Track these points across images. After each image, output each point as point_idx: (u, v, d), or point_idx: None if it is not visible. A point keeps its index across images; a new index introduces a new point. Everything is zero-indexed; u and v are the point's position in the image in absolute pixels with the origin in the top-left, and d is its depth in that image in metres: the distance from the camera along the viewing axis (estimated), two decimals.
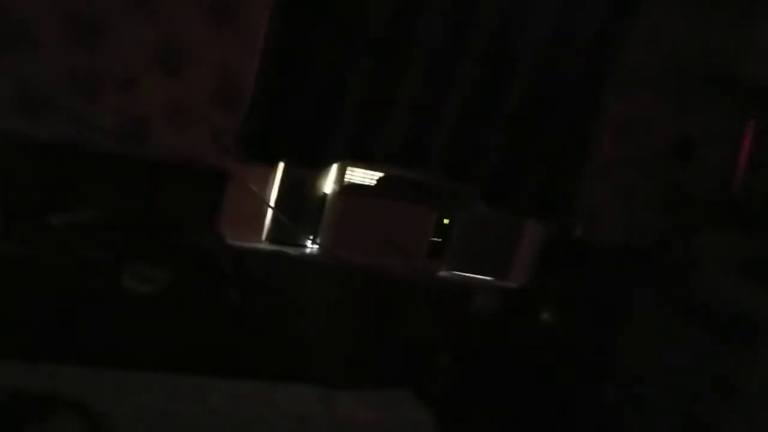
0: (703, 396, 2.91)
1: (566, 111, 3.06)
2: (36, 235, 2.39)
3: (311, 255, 3.03)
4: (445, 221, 3.12)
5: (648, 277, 3.27)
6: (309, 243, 3.04)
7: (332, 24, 2.67)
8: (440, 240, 3.14)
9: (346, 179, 2.97)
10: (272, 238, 3.01)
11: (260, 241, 2.99)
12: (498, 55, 2.88)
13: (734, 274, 3.11)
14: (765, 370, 2.81)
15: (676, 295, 3.15)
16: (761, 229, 3.19)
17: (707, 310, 3.04)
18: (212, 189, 2.79)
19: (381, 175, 3.01)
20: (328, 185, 3.00)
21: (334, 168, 2.97)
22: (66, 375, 1.80)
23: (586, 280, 3.25)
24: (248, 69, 2.73)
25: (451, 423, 2.20)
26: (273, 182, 2.95)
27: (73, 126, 2.59)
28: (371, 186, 3.01)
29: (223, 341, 2.36)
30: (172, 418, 1.78)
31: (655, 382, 3.11)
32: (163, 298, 2.29)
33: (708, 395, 2.90)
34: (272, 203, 2.95)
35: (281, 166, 2.93)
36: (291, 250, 3.01)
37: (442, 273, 3.22)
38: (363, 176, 3.00)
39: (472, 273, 3.31)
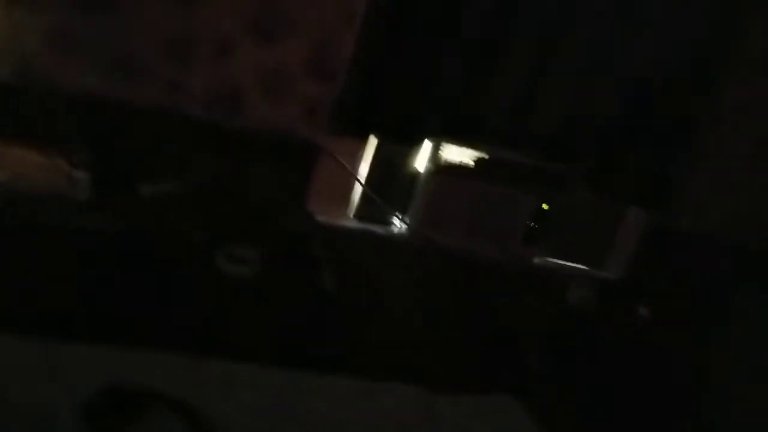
0: None
1: (680, 94, 2.80)
2: (126, 207, 2.31)
3: (400, 235, 2.88)
4: (544, 206, 2.92)
5: (755, 277, 3.02)
6: (398, 222, 2.89)
7: None
8: (536, 226, 2.95)
9: (441, 158, 2.80)
10: (360, 215, 2.87)
11: (347, 218, 2.86)
12: (613, 31, 2.63)
13: None
14: None
15: None
16: None
17: None
18: (303, 163, 2.66)
19: (479, 155, 2.82)
20: (422, 163, 2.83)
21: (429, 145, 2.79)
22: (159, 365, 1.72)
23: (688, 276, 3.03)
24: (346, 37, 2.56)
25: (553, 429, 2.07)
26: (364, 158, 2.80)
27: (165, 92, 2.47)
28: (467, 166, 2.83)
29: (317, 331, 2.26)
30: (272, 419, 1.68)
31: (752, 389, 2.91)
32: (256, 282, 2.19)
33: None
34: (362, 180, 2.80)
35: (374, 141, 2.77)
36: (379, 229, 2.87)
37: (537, 260, 3.04)
38: (459, 155, 2.81)
39: (567, 261, 3.12)
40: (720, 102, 2.85)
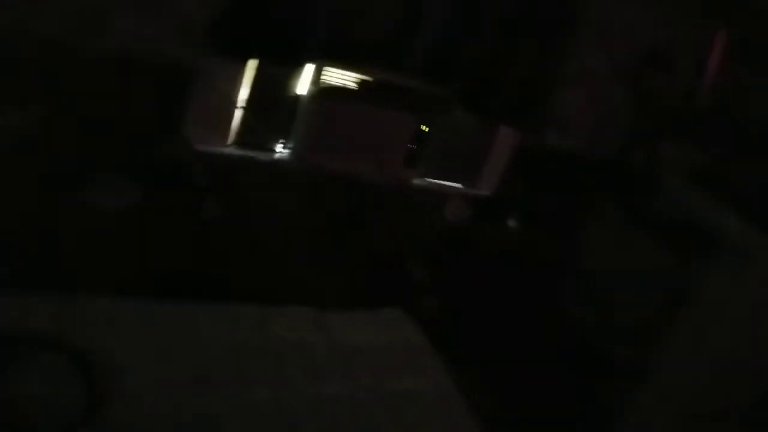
0: (654, 303, 3.04)
1: (545, 16, 2.91)
2: None
3: (282, 161, 2.87)
4: (423, 128, 3.00)
5: (611, 186, 3.31)
6: (280, 148, 2.87)
7: None
8: (416, 147, 3.04)
9: (322, 81, 2.78)
10: (240, 141, 2.82)
11: (226, 145, 2.80)
12: None
13: (692, 186, 3.18)
14: (717, 283, 2.94)
15: (636, 205, 3.21)
16: (722, 142, 3.24)
17: (664, 220, 3.12)
18: (179, 87, 2.55)
19: (359, 77, 2.83)
20: (304, 87, 2.80)
21: (311, 68, 2.76)
22: (41, 306, 1.66)
23: (553, 188, 3.26)
24: None
25: (441, 338, 2.21)
26: (243, 81, 2.72)
27: (19, 13, 2.25)
28: (348, 89, 2.83)
29: (200, 259, 2.24)
30: (163, 350, 1.68)
31: (611, 286, 3.23)
32: (133, 213, 2.12)
33: (659, 303, 3.03)
34: (241, 104, 2.74)
35: (253, 64, 2.70)
36: (261, 155, 2.84)
37: (416, 181, 3.14)
38: (340, 78, 2.81)
39: (444, 180, 3.25)
40: (581, 24, 3.01)
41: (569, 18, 2.97)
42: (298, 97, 2.82)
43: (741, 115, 3.35)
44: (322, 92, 2.79)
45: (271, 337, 1.81)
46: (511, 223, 3.31)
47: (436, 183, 3.20)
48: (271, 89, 2.77)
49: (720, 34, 3.33)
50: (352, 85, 2.83)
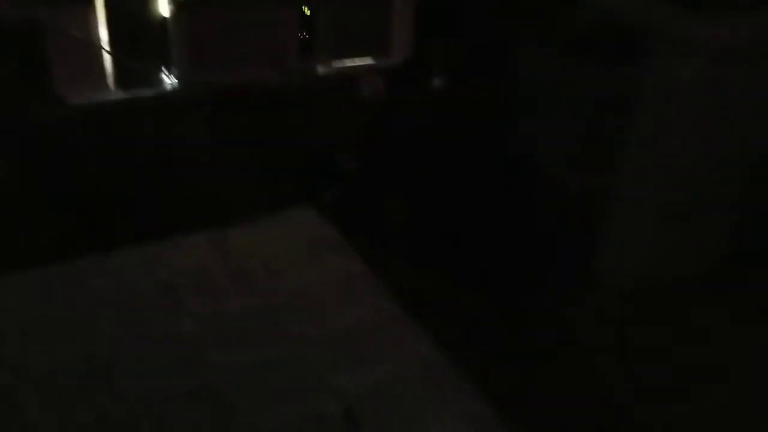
0: (598, 116, 2.89)
1: None
2: None
3: (172, 90, 2.72)
4: (306, 12, 2.80)
5: (526, 11, 3.10)
6: (165, 77, 2.71)
7: None
8: (307, 35, 2.85)
9: None
10: (122, 83, 2.66)
11: (109, 90, 2.65)
12: None
13: None
14: (655, 81, 2.78)
15: (556, 24, 3.01)
16: None
17: (592, 30, 2.92)
18: (29, 46, 2.39)
19: None
20: (163, 6, 2.61)
21: None
22: None
23: (467, 33, 3.06)
24: None
25: (359, 230, 2.12)
26: (98, 20, 2.54)
27: None
28: None
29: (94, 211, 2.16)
30: (51, 312, 1.63)
31: (551, 112, 3.08)
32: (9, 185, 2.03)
33: (603, 114, 2.88)
34: (105, 45, 2.57)
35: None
36: (147, 91, 2.69)
37: (320, 68, 2.97)
38: None
39: (352, 59, 3.07)
40: None
41: None
42: (164, 20, 2.64)
43: None
44: (185, 7, 2.60)
45: (165, 272, 1.75)
46: (436, 82, 3.15)
47: (342, 65, 3.03)
48: (130, 20, 2.59)
49: None
50: None
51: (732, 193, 2.78)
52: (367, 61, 3.08)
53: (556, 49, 2.99)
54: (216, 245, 1.88)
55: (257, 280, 1.75)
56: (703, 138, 2.68)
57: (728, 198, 2.79)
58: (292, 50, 2.83)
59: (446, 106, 3.14)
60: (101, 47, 2.55)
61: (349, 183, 2.73)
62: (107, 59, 2.60)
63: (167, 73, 2.69)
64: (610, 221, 2.88)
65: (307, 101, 2.91)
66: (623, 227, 2.85)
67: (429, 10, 3.03)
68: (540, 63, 3.10)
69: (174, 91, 2.71)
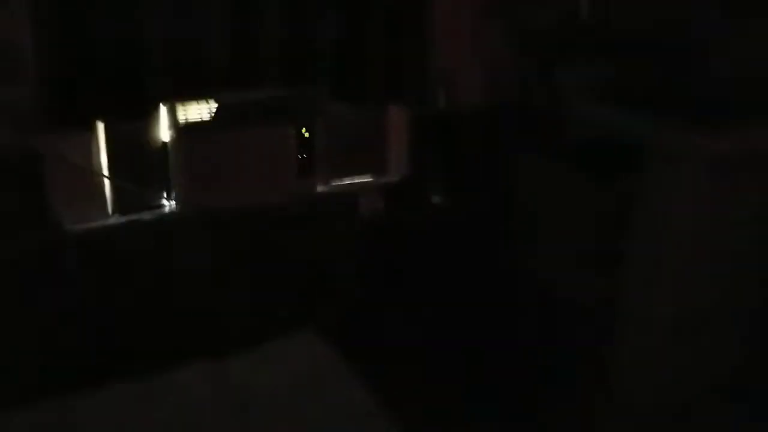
0: (599, 231, 2.88)
1: None
2: None
3: (171, 214, 2.70)
4: (305, 134, 2.84)
5: (521, 131, 3.16)
6: (164, 201, 2.70)
7: None
8: (306, 156, 2.87)
9: (180, 120, 2.62)
10: (121, 207, 2.65)
11: (107, 215, 2.63)
12: None
13: (601, 104, 3.03)
14: (656, 194, 2.79)
15: (551, 140, 3.06)
16: (618, 54, 3.10)
17: (584, 147, 2.97)
18: (27, 174, 2.39)
19: (218, 104, 2.67)
20: (164, 132, 2.64)
21: (163, 110, 2.60)
22: None
23: (462, 152, 3.11)
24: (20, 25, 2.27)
25: (363, 356, 2.04)
26: (98, 146, 2.56)
27: None
28: (211, 119, 2.67)
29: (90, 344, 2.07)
30: None
31: (552, 227, 3.07)
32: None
33: (604, 229, 2.87)
34: (105, 170, 2.57)
35: (101, 125, 2.53)
36: (146, 215, 2.67)
37: (319, 188, 2.97)
38: (199, 111, 2.65)
39: (351, 178, 3.08)
40: None
41: None
42: (164, 145, 2.66)
43: (625, 20, 3.22)
44: (185, 132, 2.63)
45: (159, 409, 1.65)
46: (435, 200, 3.16)
47: (340, 184, 3.04)
48: (131, 146, 2.61)
49: None
50: (214, 114, 2.67)
51: (748, 301, 2.72)
52: (365, 179, 3.09)
53: (554, 163, 3.02)
54: (213, 375, 1.79)
55: (257, 414, 1.65)
56: (710, 249, 2.65)
57: (744, 305, 2.73)
58: (291, 171, 2.84)
59: (445, 223, 3.13)
60: (100, 173, 2.55)
61: (351, 305, 2.66)
62: (106, 184, 2.60)
63: (166, 197, 2.68)
64: (620, 337, 2.79)
65: (306, 222, 2.90)
66: (633, 343, 2.77)
67: (424, 126, 3.08)
68: (539, 177, 3.12)
69: (173, 215, 2.69)
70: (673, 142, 2.74)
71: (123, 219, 2.63)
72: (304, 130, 2.82)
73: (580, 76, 3.14)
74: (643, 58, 3.08)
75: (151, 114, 2.58)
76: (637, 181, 2.81)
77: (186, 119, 2.62)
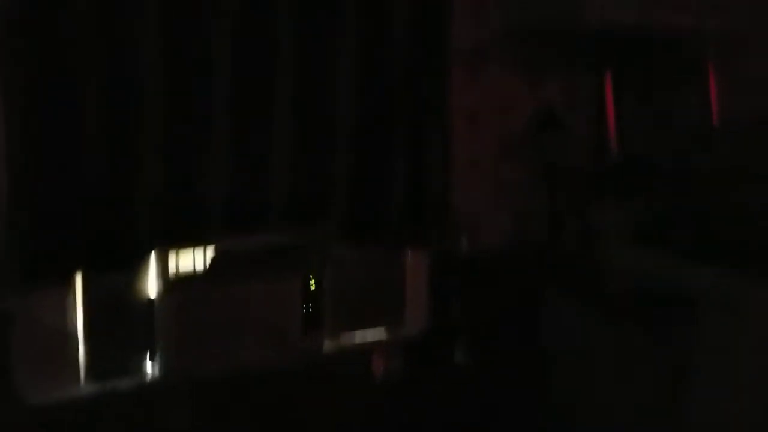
0: (655, 399, 2.49)
1: (405, 115, 2.54)
2: None
3: (154, 381, 2.31)
4: (311, 284, 2.51)
5: (552, 278, 2.83)
6: (147, 366, 2.32)
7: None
8: (312, 307, 2.53)
9: (170, 271, 2.30)
10: (95, 373, 2.26)
11: (79, 382, 2.24)
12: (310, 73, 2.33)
13: (642, 249, 2.73)
14: (712, 345, 2.43)
15: (590, 289, 2.72)
16: (651, 192, 2.85)
17: (627, 295, 2.63)
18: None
19: (213, 253, 2.36)
20: (151, 285, 2.31)
21: (152, 261, 2.29)
22: None
23: (489, 302, 2.76)
24: None
25: None
26: (75, 303, 2.22)
27: None
28: (205, 271, 2.35)
29: None
30: None
31: (594, 401, 2.67)
32: None
33: (658, 396, 2.48)
34: (79, 332, 2.22)
35: (78, 280, 2.21)
36: (124, 383, 2.28)
37: (327, 344, 2.60)
38: (191, 260, 2.33)
39: (362, 331, 2.72)
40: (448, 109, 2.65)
41: (434, 104, 2.60)
42: (150, 302, 2.32)
43: (657, 156, 3.00)
44: (175, 285, 2.30)
45: None
46: (458, 356, 2.77)
47: (352, 338, 2.67)
48: (111, 303, 2.27)
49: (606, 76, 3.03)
50: (209, 265, 2.35)
51: None
52: (379, 334, 2.72)
53: (595, 316, 2.67)
54: None
55: None
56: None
57: None
58: (294, 327, 2.49)
59: (471, 384, 2.72)
60: (74, 335, 2.19)
61: None
62: (81, 348, 2.23)
63: (150, 361, 2.31)
64: None
65: (313, 384, 2.50)
66: None
67: (446, 273, 2.76)
68: (578, 331, 2.75)
69: (156, 382, 2.30)
70: (729, 293, 2.41)
71: (97, 388, 2.24)
72: (311, 279, 2.50)
73: (616, 216, 2.86)
74: (685, 197, 2.82)
75: (137, 264, 2.25)
76: (693, 334, 2.46)
77: (176, 270, 2.30)
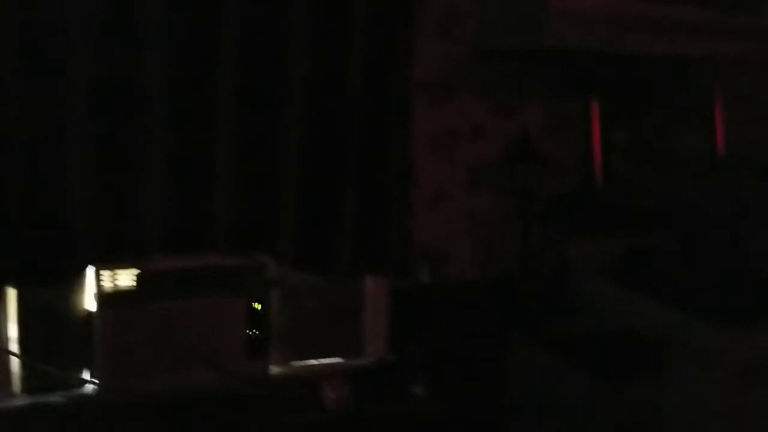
0: None
1: (363, 141, 2.44)
2: None
3: (89, 396, 2.29)
4: (257, 306, 2.45)
5: (520, 312, 2.69)
6: (83, 381, 2.30)
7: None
8: (257, 332, 2.46)
9: (106, 286, 2.27)
10: (28, 386, 2.25)
11: (11, 394, 2.23)
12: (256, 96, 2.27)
13: (615, 288, 2.56)
14: (677, 400, 2.26)
15: (555, 328, 2.57)
16: (632, 226, 2.67)
17: (594, 339, 2.47)
18: None
19: (155, 270, 2.32)
20: (88, 299, 2.29)
21: (90, 275, 2.26)
22: None
23: (450, 334, 2.64)
24: None
25: None
26: (6, 315, 2.21)
27: None
28: (146, 287, 2.31)
29: None
30: None
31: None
32: None
33: None
34: (12, 345, 2.21)
35: (13, 292, 2.20)
36: (57, 397, 2.26)
37: (274, 370, 2.53)
38: (132, 277, 2.30)
39: (316, 359, 2.63)
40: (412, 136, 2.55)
41: (396, 133, 2.51)
42: (88, 315, 2.29)
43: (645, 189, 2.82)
44: (113, 302, 2.27)
45: None
46: (416, 389, 2.64)
47: (302, 366, 2.59)
48: (47, 315, 2.25)
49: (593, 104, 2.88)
50: (147, 283, 2.31)
51: None
52: (332, 361, 2.63)
53: (558, 356, 2.52)
54: None
55: None
56: None
57: None
58: (238, 350, 2.42)
59: (427, 418, 2.60)
60: (6, 349, 2.18)
61: None
62: (14, 361, 2.22)
63: (86, 377, 2.28)
64: None
65: (256, 411, 2.43)
66: None
67: (406, 302, 2.65)
68: (541, 373, 2.60)
69: (92, 397, 2.27)
70: (702, 342, 2.24)
71: (29, 400, 2.23)
72: (256, 303, 2.43)
73: (592, 252, 2.70)
74: (664, 235, 2.64)
75: (73, 279, 2.23)
76: (656, 386, 2.30)
77: (116, 285, 2.27)
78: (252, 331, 2.45)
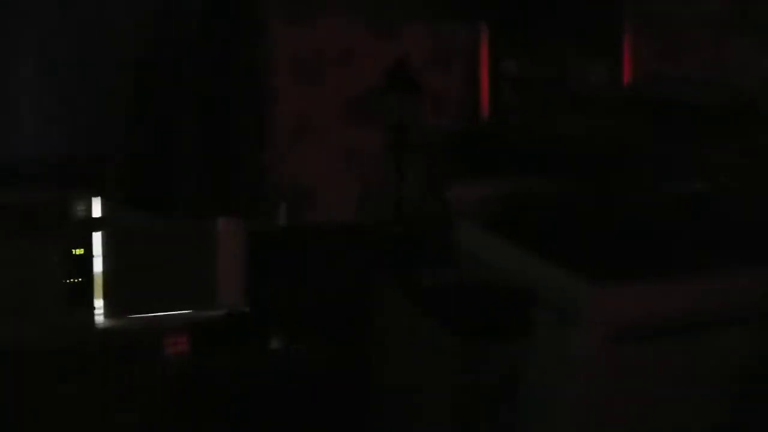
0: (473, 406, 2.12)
1: (206, 62, 2.12)
2: None
3: None
4: (77, 251, 2.14)
5: (386, 260, 2.43)
6: None
7: None
8: (82, 279, 2.16)
9: None
10: None
11: None
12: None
13: (491, 236, 2.31)
14: (541, 358, 2.06)
15: (421, 278, 2.32)
16: (518, 168, 2.41)
17: (461, 291, 2.23)
18: None
19: None
20: None
21: None
22: None
23: (309, 282, 2.38)
24: None
25: None
26: None
27: None
28: None
29: None
30: None
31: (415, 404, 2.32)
32: None
33: (486, 400, 2.11)
34: None
35: None
36: None
37: (104, 323, 2.25)
38: None
39: (161, 310, 2.36)
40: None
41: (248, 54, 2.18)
42: None
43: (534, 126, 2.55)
44: None
45: None
46: (274, 342, 2.40)
47: (138, 318, 2.31)
48: None
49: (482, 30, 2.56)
50: None
51: None
52: (177, 313, 2.36)
53: (421, 309, 2.28)
54: None
55: None
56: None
57: None
58: (56, 300, 2.13)
59: (284, 374, 2.36)
60: None
61: None
62: None
63: None
64: None
65: (82, 368, 2.16)
66: None
67: (262, 247, 2.38)
68: (405, 326, 2.37)
69: None
70: (570, 297, 2.02)
71: None
72: (75, 249, 2.13)
73: (470, 196, 2.43)
74: (548, 180, 2.38)
75: None
76: (519, 343, 2.09)
77: None
78: (76, 279, 2.15)
